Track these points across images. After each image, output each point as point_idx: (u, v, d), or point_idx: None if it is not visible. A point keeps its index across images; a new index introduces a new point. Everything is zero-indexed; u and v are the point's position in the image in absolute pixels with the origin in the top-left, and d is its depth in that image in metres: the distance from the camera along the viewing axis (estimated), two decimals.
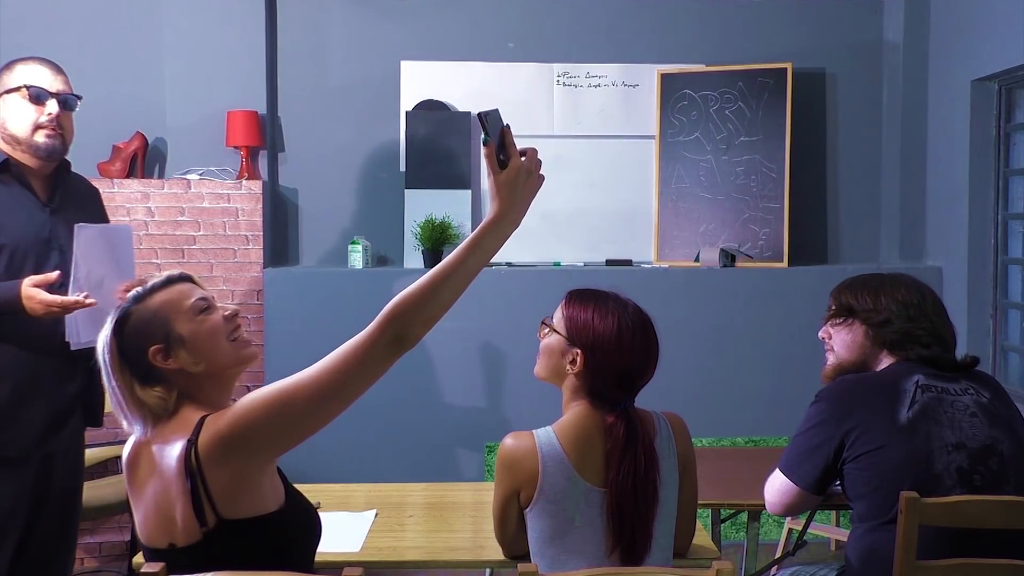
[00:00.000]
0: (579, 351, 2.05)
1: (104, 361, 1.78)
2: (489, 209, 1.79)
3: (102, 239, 2.65)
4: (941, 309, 2.35)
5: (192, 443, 1.68)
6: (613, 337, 2.03)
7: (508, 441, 2.05)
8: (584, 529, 2.00)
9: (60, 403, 2.67)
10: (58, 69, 2.77)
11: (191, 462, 1.67)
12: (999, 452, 2.15)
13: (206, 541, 1.69)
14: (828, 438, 2.21)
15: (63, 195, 2.76)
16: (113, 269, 2.64)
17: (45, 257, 2.65)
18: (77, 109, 2.81)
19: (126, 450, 1.81)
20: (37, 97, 2.66)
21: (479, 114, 1.69)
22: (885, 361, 2.31)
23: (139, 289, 1.83)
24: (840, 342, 2.38)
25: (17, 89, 2.66)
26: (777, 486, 2.34)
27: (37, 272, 2.58)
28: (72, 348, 2.57)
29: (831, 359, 2.41)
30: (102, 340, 1.79)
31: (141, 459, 1.77)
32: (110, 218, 4.16)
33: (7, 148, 2.67)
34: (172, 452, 1.71)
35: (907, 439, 2.13)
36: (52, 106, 2.67)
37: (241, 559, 1.70)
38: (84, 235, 2.57)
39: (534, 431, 2.05)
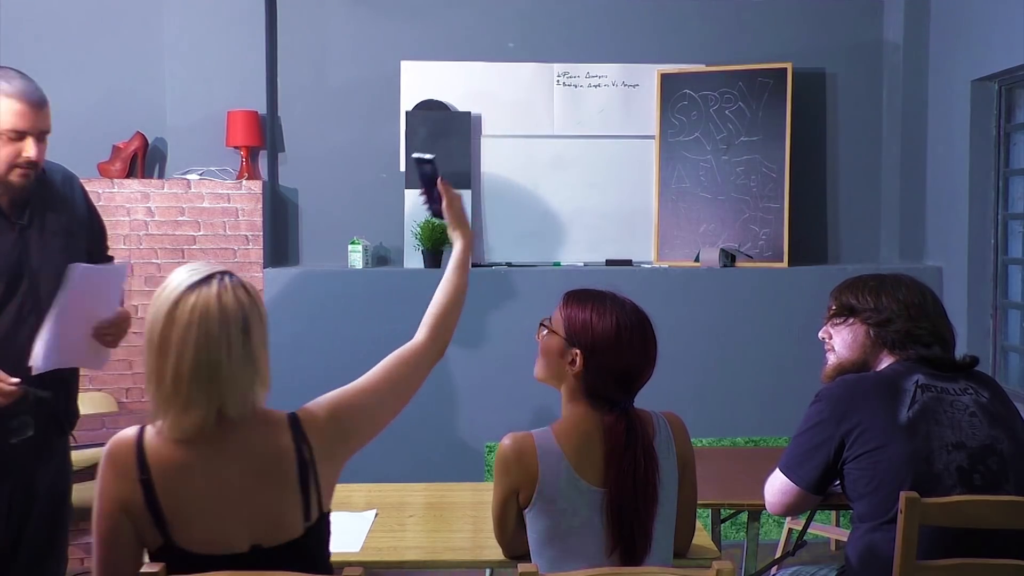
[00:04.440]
0: (578, 351, 2.04)
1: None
2: (458, 237, 2.14)
3: (96, 278, 2.48)
4: (941, 309, 2.35)
5: (302, 439, 1.76)
6: (612, 336, 2.03)
7: (507, 442, 2.05)
8: (583, 530, 2.00)
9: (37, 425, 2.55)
10: (41, 101, 2.50)
11: (304, 456, 1.75)
12: (999, 452, 2.15)
13: (304, 536, 1.75)
14: (828, 438, 2.21)
15: (35, 206, 2.53)
16: (96, 305, 2.51)
17: (16, 284, 2.45)
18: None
19: (160, 457, 1.72)
20: (19, 138, 2.43)
21: (417, 158, 2.04)
22: (886, 360, 2.31)
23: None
24: (841, 342, 2.38)
25: None
26: (777, 486, 2.34)
27: (7, 298, 2.43)
28: (33, 373, 2.41)
29: (831, 359, 2.41)
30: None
31: (195, 464, 1.71)
32: (109, 219, 4.17)
33: None
34: (263, 449, 1.74)
35: (907, 439, 2.13)
36: (30, 148, 2.44)
37: (324, 553, 1.82)
38: (77, 274, 2.40)
39: (533, 431, 2.05)
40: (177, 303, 1.69)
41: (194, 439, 1.72)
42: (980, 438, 2.15)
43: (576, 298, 2.10)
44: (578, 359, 2.04)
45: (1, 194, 2.46)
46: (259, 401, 1.76)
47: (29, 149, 2.43)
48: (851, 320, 2.35)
